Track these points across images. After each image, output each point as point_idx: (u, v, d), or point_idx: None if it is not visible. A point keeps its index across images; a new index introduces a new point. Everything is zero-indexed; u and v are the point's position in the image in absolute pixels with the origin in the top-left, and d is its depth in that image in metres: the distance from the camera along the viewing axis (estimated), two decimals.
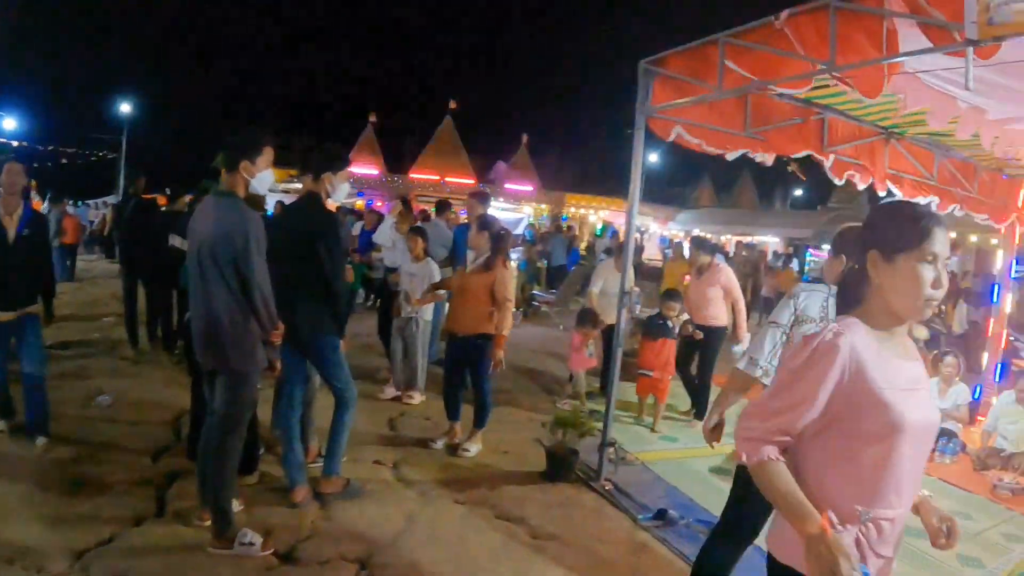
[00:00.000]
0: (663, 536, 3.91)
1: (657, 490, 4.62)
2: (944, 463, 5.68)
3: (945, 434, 5.75)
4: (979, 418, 6.45)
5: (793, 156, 5.51)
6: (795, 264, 17.48)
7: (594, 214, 26.51)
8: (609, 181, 27.95)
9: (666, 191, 35.67)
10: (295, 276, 3.71)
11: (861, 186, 5.85)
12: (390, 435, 5.30)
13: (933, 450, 5.57)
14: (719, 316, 6.31)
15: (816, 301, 2.89)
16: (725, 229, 26.21)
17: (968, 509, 4.84)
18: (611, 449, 4.75)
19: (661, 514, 4.12)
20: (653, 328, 6.27)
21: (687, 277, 7.60)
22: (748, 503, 2.70)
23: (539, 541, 3.77)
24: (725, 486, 3.09)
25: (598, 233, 22.97)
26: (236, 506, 3.55)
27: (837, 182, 5.84)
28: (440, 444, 5.04)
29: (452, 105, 25.80)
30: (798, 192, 40.41)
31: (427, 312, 6.25)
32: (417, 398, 6.12)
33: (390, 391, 6.22)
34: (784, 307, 2.94)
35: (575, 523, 4.05)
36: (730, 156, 5.35)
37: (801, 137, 5.41)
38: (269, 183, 3.38)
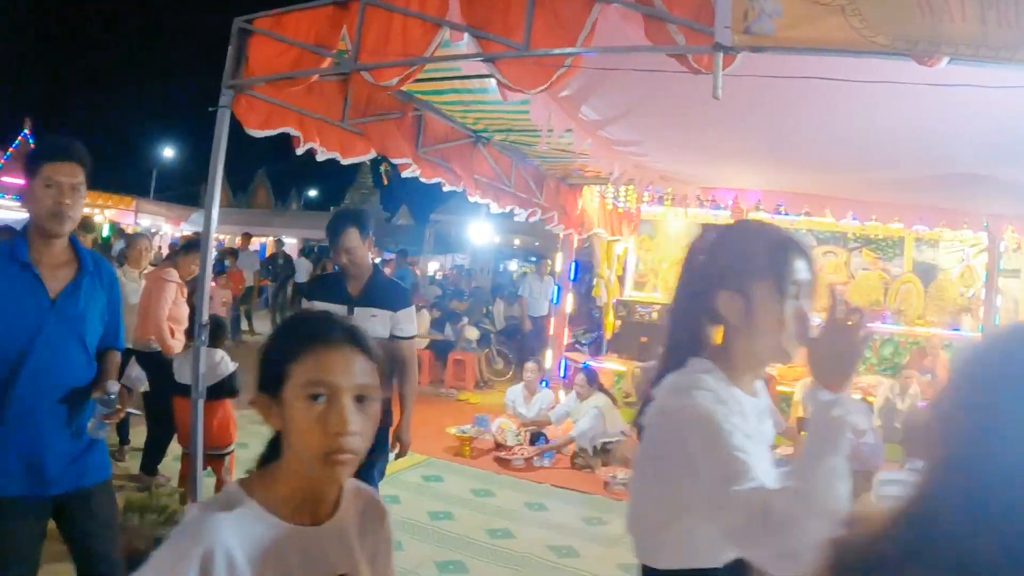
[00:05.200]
0: None
1: None
2: (544, 465, 5.82)
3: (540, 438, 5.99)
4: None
5: (392, 160, 4.91)
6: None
7: (100, 214, 21.88)
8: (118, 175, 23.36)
9: (179, 189, 32.10)
10: None
11: (448, 188, 5.63)
12: None
13: (532, 457, 5.79)
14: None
15: None
16: (241, 230, 24.74)
17: (600, 513, 4.86)
18: None
19: None
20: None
21: None
22: None
23: None
24: None
25: (105, 237, 19.03)
26: None
27: (424, 181, 5.46)
28: None
29: None
30: (312, 192, 41.10)
31: None
32: None
33: None
34: None
35: None
36: (321, 156, 4.50)
37: (398, 133, 4.88)
38: None
